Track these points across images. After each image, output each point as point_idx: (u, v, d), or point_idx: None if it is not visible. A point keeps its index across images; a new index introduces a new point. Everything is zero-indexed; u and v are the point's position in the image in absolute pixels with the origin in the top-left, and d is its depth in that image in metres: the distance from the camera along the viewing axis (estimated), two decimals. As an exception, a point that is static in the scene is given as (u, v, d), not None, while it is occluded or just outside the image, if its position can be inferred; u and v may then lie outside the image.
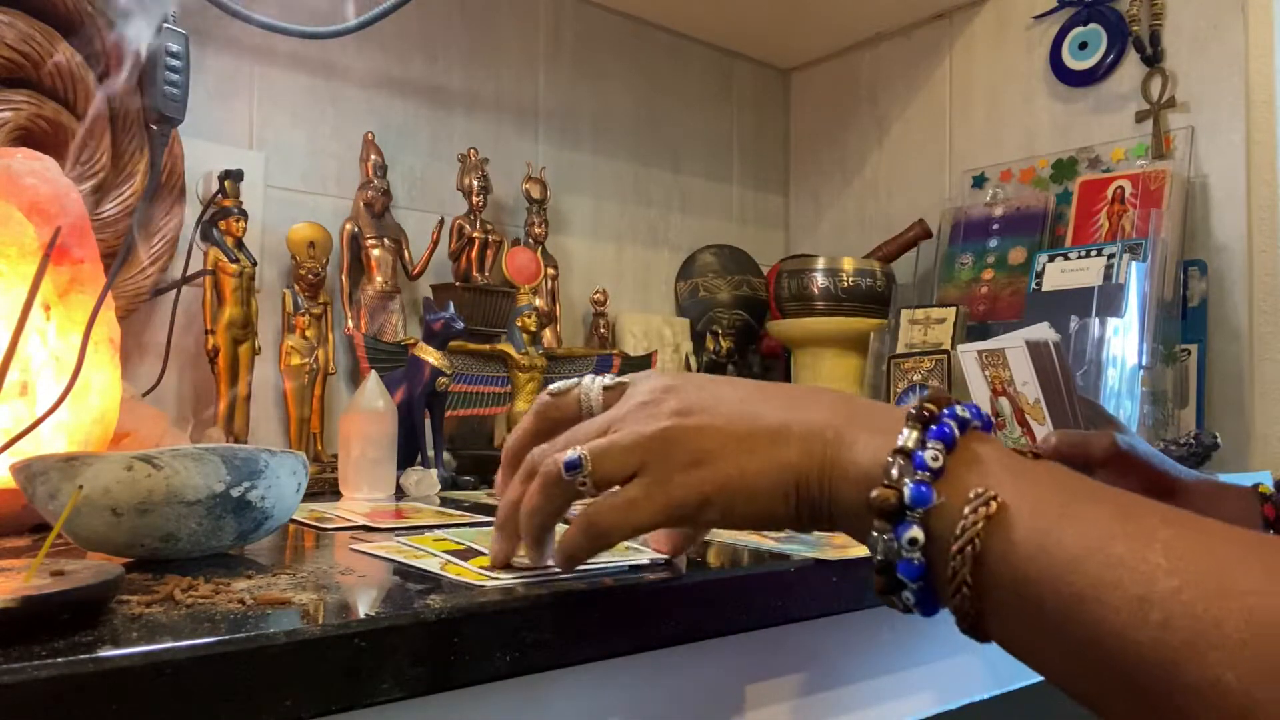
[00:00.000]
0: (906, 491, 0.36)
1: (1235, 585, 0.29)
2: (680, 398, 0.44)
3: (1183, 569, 0.30)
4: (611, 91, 1.63)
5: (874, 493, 0.37)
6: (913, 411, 0.38)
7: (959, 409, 0.38)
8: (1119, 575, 0.31)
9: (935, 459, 0.36)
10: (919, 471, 0.36)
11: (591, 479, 0.43)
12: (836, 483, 0.40)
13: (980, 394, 0.84)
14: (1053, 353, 0.77)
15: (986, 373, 0.82)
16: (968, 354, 0.83)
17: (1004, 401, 0.81)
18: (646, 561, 0.54)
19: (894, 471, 0.37)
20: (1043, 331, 0.79)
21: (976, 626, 0.36)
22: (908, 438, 0.37)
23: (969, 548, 0.34)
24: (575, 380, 0.49)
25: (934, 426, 0.37)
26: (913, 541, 0.36)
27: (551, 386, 0.50)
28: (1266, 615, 0.28)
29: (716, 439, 0.42)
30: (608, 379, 0.48)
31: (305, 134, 1.26)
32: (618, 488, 0.44)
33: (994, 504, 0.34)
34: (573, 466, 0.43)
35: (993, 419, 0.39)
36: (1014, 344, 0.78)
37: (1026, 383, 0.78)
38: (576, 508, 0.46)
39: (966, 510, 0.35)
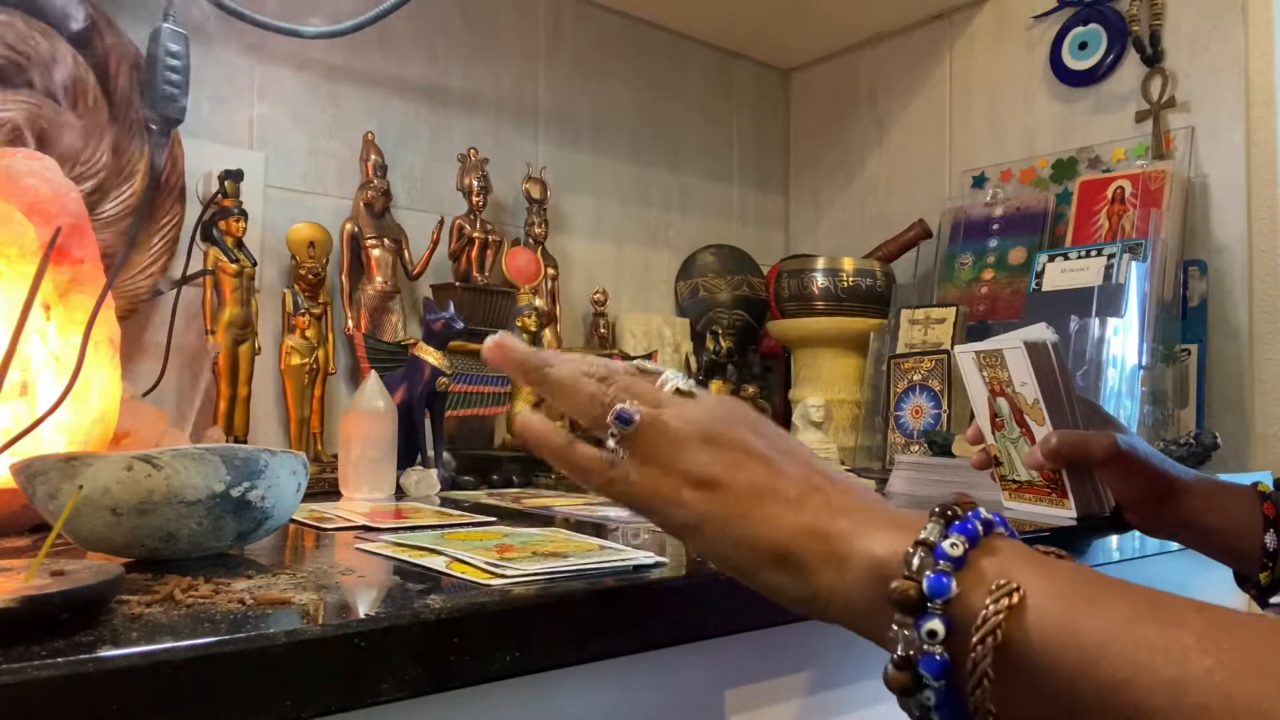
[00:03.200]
0: (926, 582, 0.35)
1: (1270, 665, 0.29)
2: (731, 430, 0.44)
3: (1215, 649, 0.30)
4: (611, 91, 1.63)
5: (894, 584, 0.36)
6: (936, 510, 0.38)
7: (983, 512, 0.38)
8: (1151, 658, 0.31)
9: (955, 548, 0.36)
10: (940, 562, 0.35)
11: (624, 443, 0.44)
12: (848, 574, 0.39)
13: (978, 395, 0.84)
14: (1051, 353, 0.77)
15: (984, 374, 0.82)
16: (964, 355, 0.83)
17: (1002, 402, 0.81)
18: (648, 561, 0.54)
19: (914, 563, 0.36)
20: (1040, 332, 0.78)
21: None
22: (930, 531, 0.37)
23: (990, 638, 0.33)
24: (657, 369, 0.48)
25: (957, 523, 0.37)
26: (932, 634, 0.34)
27: (637, 363, 0.49)
28: None
29: (743, 478, 0.42)
30: (684, 383, 0.47)
31: (305, 134, 1.26)
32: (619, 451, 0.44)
33: (1016, 594, 0.34)
34: (624, 420, 0.44)
35: (1004, 519, 0.39)
36: (1012, 345, 0.78)
37: (1025, 383, 0.77)
38: None
39: (988, 601, 0.34)
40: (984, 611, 0.34)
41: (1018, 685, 0.33)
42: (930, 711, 0.35)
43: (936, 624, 0.35)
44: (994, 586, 0.34)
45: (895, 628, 0.36)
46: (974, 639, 0.34)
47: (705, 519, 0.42)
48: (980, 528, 0.37)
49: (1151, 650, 0.31)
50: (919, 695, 0.35)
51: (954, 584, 0.35)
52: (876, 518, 0.40)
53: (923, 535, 0.37)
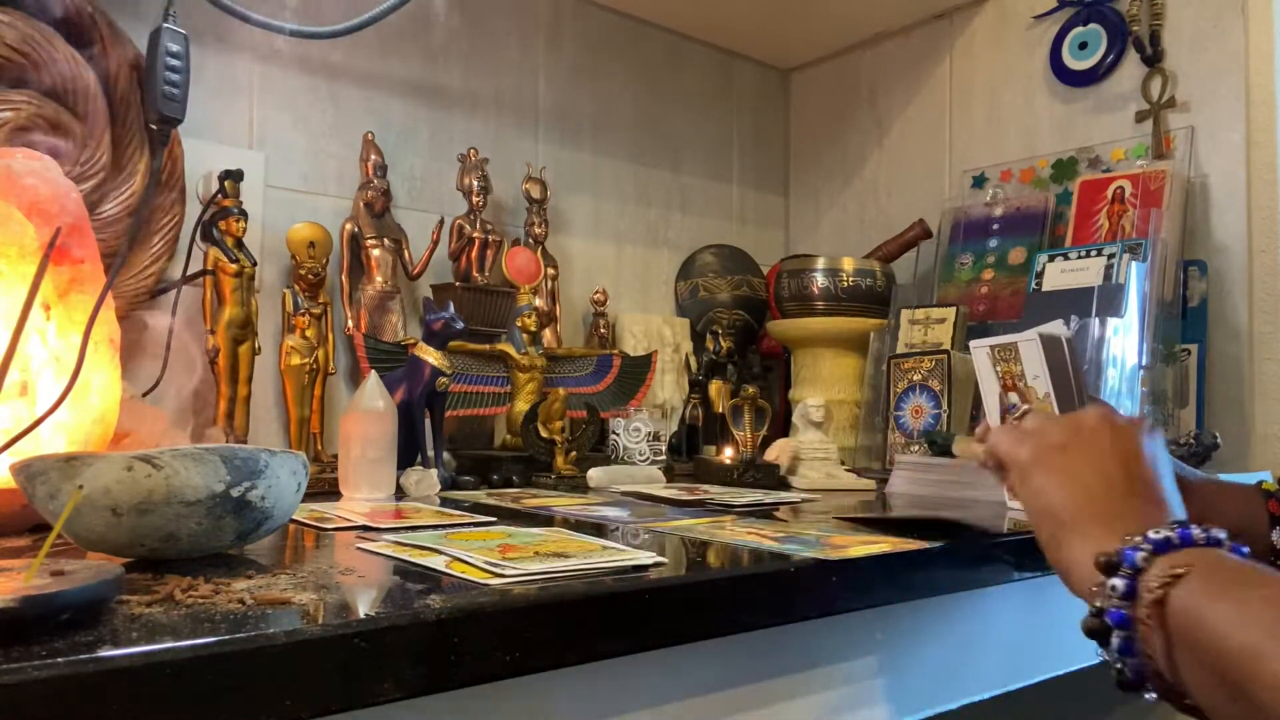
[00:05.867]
0: (1124, 556, 0.45)
1: None
2: (1066, 447, 0.58)
3: None
4: (611, 91, 1.63)
5: (1098, 553, 0.47)
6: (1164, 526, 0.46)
7: (1203, 531, 0.46)
8: (1276, 628, 0.37)
9: (1163, 540, 0.45)
10: (1143, 544, 0.45)
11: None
12: (1080, 555, 0.50)
13: (990, 389, 0.84)
14: (1065, 348, 0.78)
15: (998, 368, 0.83)
16: (979, 349, 0.84)
17: (1013, 396, 0.81)
18: (648, 561, 0.54)
19: (1122, 547, 0.46)
20: (1056, 327, 0.79)
21: (1168, 687, 0.43)
22: (1153, 532, 0.46)
23: (1151, 597, 0.43)
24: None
25: (1180, 528, 0.46)
26: (1114, 589, 0.45)
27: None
28: None
29: (1071, 456, 0.57)
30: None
31: (305, 134, 1.26)
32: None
33: (1180, 571, 0.43)
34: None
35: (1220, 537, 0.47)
36: (1027, 337, 0.79)
37: (1037, 376, 0.78)
38: None
39: (1158, 573, 0.44)
40: (1151, 582, 0.43)
41: (1176, 649, 0.42)
42: (1117, 657, 0.45)
43: (1119, 582, 0.45)
44: (1169, 567, 0.43)
45: (1096, 587, 0.46)
46: (1141, 600, 0.44)
47: (1032, 465, 0.57)
48: (1191, 536, 0.45)
49: (1277, 622, 0.37)
50: (1108, 642, 0.45)
51: (1141, 557, 0.45)
52: (1129, 522, 0.49)
53: (1143, 535, 0.46)
